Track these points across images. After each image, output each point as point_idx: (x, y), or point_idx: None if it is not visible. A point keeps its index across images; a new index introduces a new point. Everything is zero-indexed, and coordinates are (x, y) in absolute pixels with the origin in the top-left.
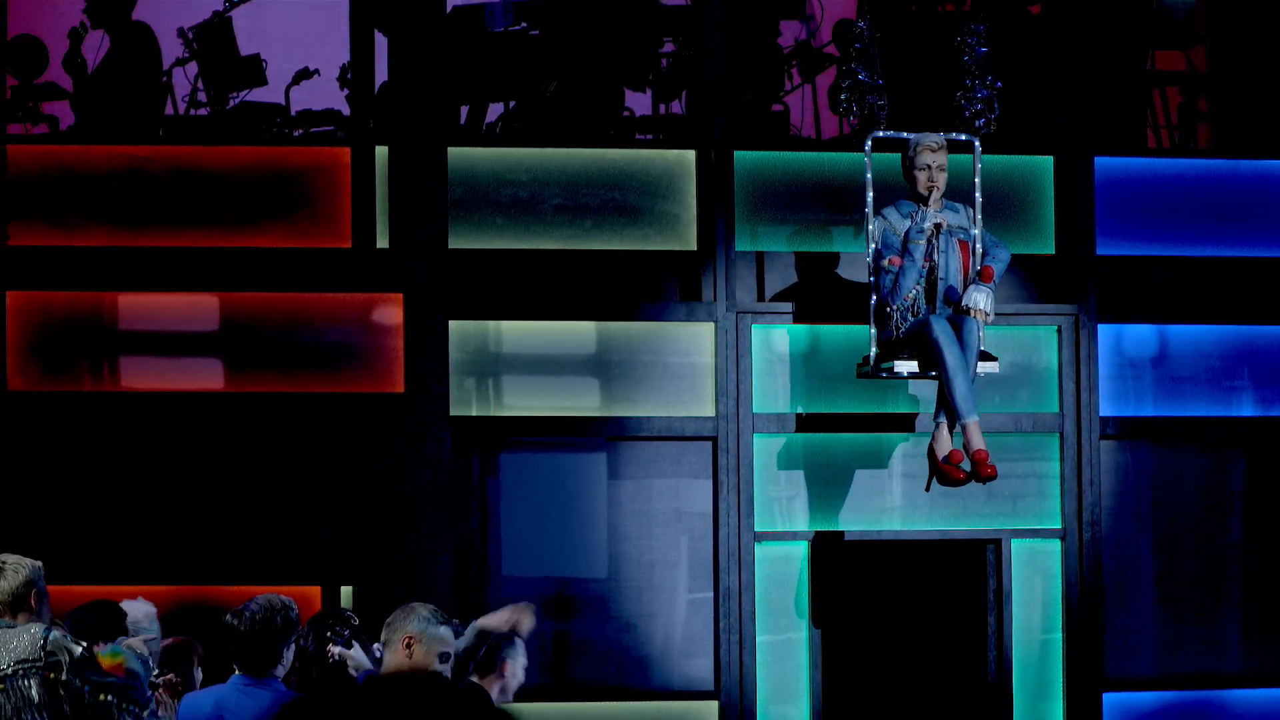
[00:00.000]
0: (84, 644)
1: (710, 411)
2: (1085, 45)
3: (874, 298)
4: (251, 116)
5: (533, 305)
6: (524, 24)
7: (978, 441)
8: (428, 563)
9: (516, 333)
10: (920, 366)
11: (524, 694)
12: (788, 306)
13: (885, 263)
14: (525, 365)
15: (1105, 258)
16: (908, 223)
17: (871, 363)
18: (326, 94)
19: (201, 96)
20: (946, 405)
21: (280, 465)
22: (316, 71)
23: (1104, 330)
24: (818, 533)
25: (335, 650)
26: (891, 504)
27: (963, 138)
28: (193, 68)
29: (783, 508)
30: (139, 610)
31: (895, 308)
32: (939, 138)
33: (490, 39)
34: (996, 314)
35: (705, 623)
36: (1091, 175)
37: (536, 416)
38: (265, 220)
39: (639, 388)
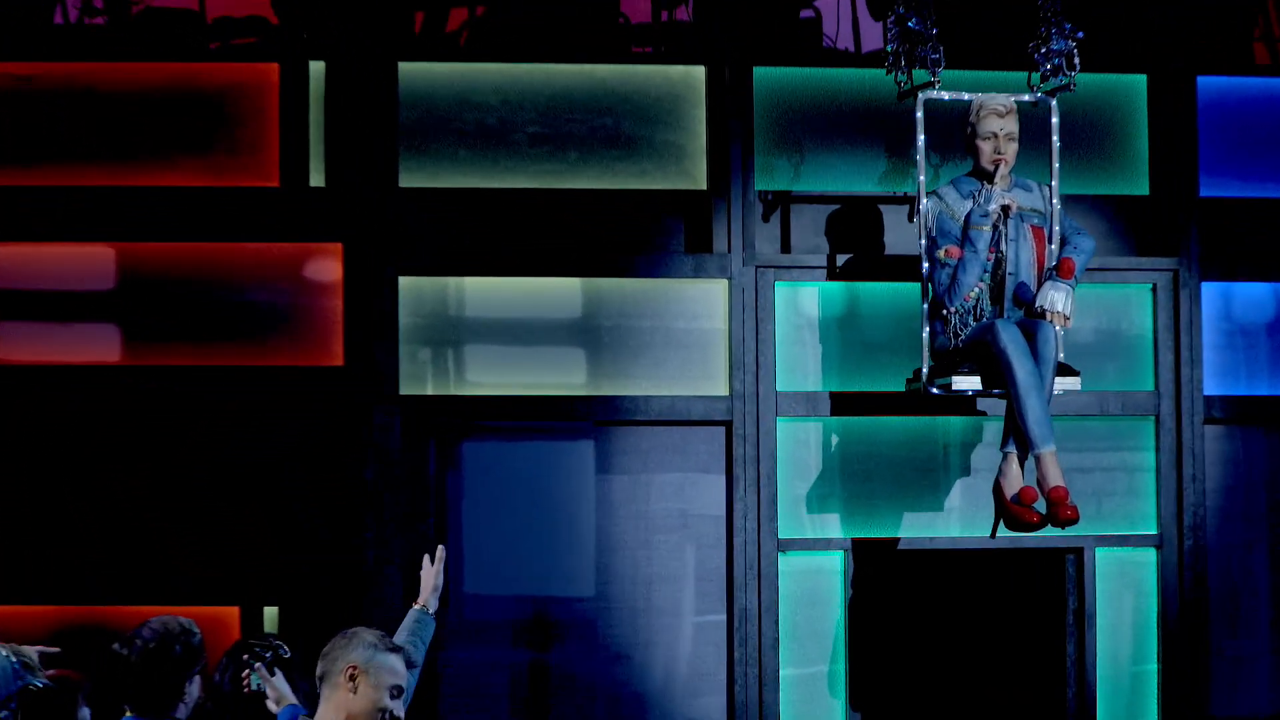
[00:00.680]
0: None
1: (723, 390)
2: None
3: (927, 297)
4: (158, 26)
5: (503, 258)
6: None
7: (1055, 476)
8: (372, 578)
9: (483, 292)
10: (983, 383)
11: None
12: (820, 259)
13: (941, 254)
14: (494, 332)
15: (1210, 200)
16: (969, 204)
17: (924, 377)
18: None
19: (98, 3)
20: (1016, 431)
21: (190, 455)
22: None
23: (1209, 289)
24: (856, 540)
25: (252, 680)
26: (948, 505)
27: (1036, 98)
28: None
29: (813, 509)
30: None
31: (953, 310)
32: (1007, 99)
33: None
34: None
35: (717, 652)
36: (1194, 97)
37: (507, 396)
38: (174, 154)
39: (635, 360)
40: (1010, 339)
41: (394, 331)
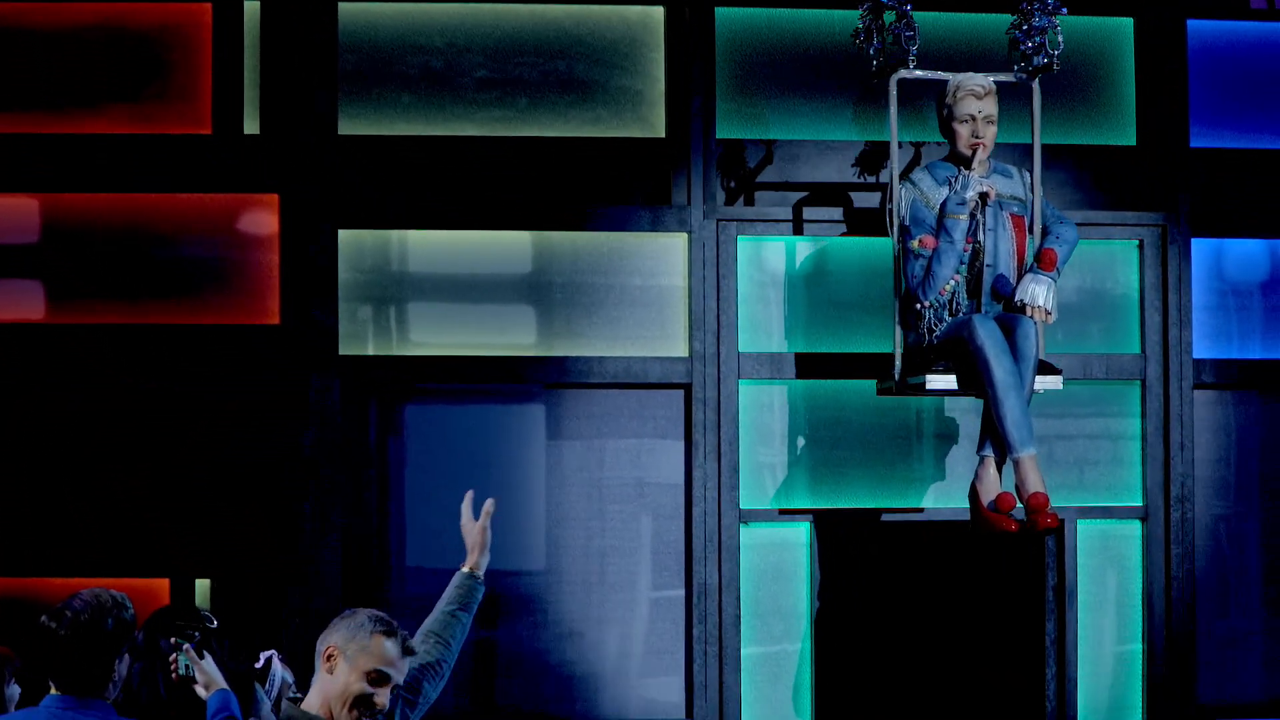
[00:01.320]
0: None
1: (682, 351)
2: None
3: (900, 290)
4: None
5: (449, 210)
6: None
7: (1034, 482)
8: (310, 548)
9: (427, 246)
10: (960, 382)
11: None
12: (785, 212)
13: (914, 244)
14: (439, 289)
15: (1201, 151)
16: (945, 191)
17: (896, 376)
18: None
19: None
20: (994, 433)
21: (117, 419)
22: None
23: (1198, 246)
24: (822, 511)
25: (180, 662)
26: (922, 474)
27: (1017, 79)
28: None
29: (777, 478)
30: None
31: (927, 303)
32: (986, 80)
33: None
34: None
35: (675, 630)
36: (1183, 42)
37: (453, 357)
38: (101, 99)
39: (588, 319)
40: (988, 335)
41: (333, 288)
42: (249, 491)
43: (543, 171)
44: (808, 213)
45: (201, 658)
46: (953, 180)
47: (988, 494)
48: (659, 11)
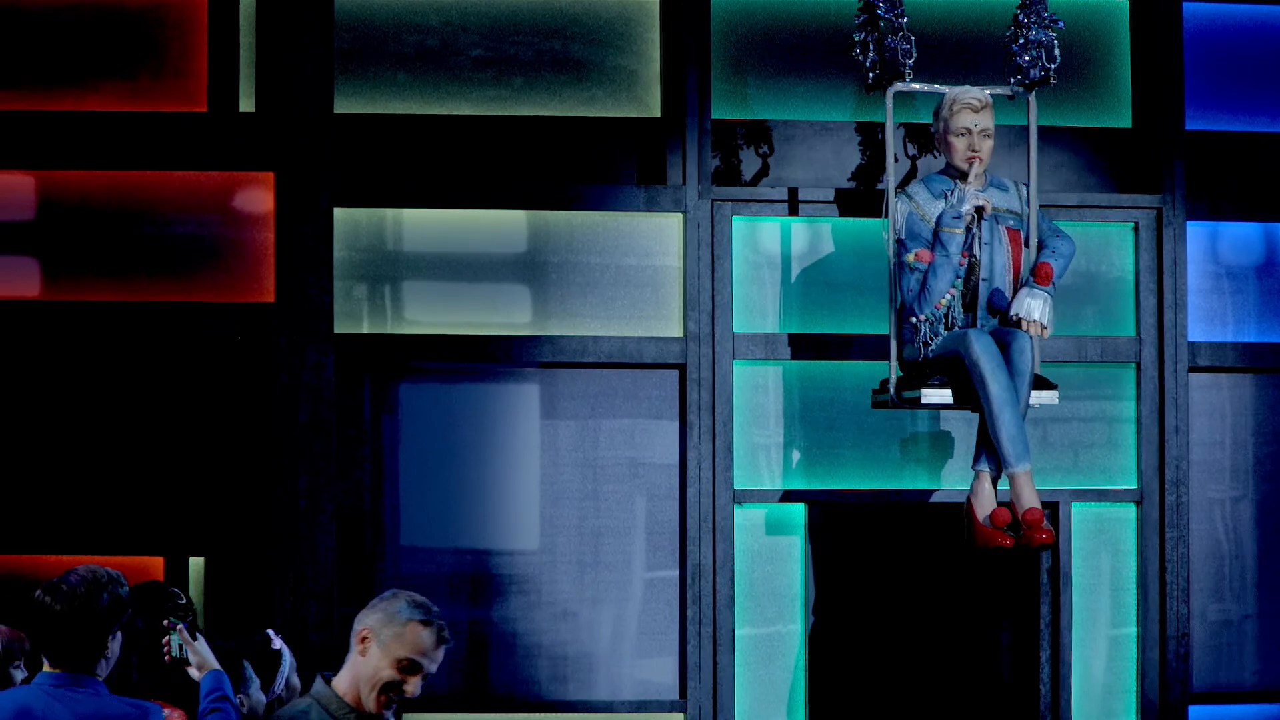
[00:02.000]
0: None
1: (677, 331)
2: None
3: (895, 303)
4: None
5: (444, 189)
6: None
7: (1029, 497)
8: (303, 526)
9: (422, 225)
10: (955, 397)
11: (428, 704)
12: (781, 193)
13: (910, 258)
14: (434, 268)
15: (1197, 133)
16: (941, 204)
17: (892, 390)
18: None
19: None
20: (989, 447)
21: (112, 396)
22: None
23: (1194, 229)
24: (817, 492)
25: (172, 643)
26: (917, 455)
27: (1013, 92)
28: None
29: (772, 459)
30: None
31: (923, 318)
32: (982, 93)
33: None
34: (1055, 207)
35: (669, 610)
36: (1179, 23)
37: (447, 335)
38: (96, 76)
39: (583, 299)
40: (984, 350)
41: (328, 266)
42: (243, 469)
43: (538, 151)
44: (803, 193)
45: (194, 638)
46: (949, 194)
47: (983, 508)
48: None
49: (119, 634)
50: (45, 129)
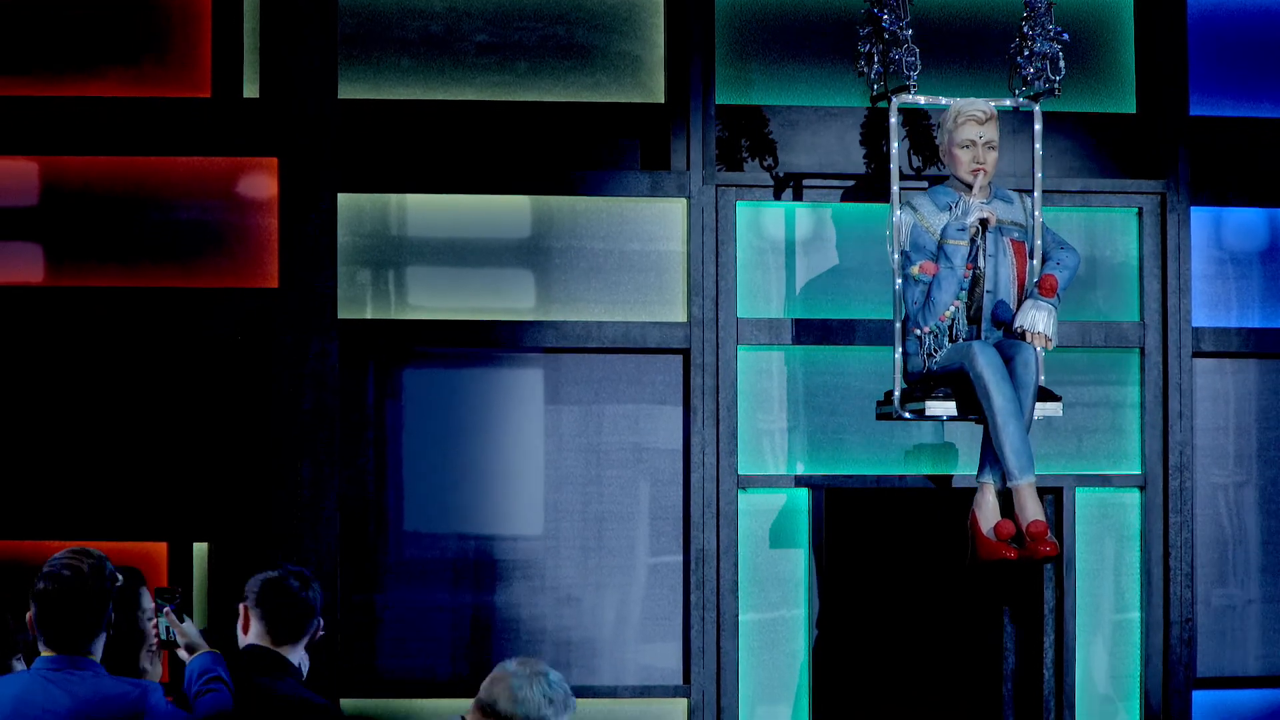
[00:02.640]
0: None
1: (681, 316)
2: None
3: (899, 315)
4: None
5: (447, 174)
6: None
7: (1033, 510)
8: (307, 513)
9: (426, 210)
10: (959, 408)
11: (430, 689)
12: (785, 178)
13: (914, 270)
14: (437, 253)
15: (1201, 119)
16: (945, 216)
17: (895, 401)
18: None
19: None
20: (993, 459)
21: (117, 382)
22: None
23: (1198, 214)
24: (821, 477)
25: (160, 625)
26: (921, 440)
27: (1018, 104)
28: None
29: (776, 444)
30: None
31: (927, 329)
32: (987, 105)
33: None
34: (1060, 193)
35: (673, 596)
36: (1184, 9)
37: (451, 320)
38: (100, 62)
39: (587, 284)
40: (988, 363)
41: (332, 252)
42: (247, 455)
43: (542, 136)
44: (807, 179)
45: (182, 620)
46: (953, 206)
47: (986, 520)
48: None
49: (112, 612)
50: (49, 114)
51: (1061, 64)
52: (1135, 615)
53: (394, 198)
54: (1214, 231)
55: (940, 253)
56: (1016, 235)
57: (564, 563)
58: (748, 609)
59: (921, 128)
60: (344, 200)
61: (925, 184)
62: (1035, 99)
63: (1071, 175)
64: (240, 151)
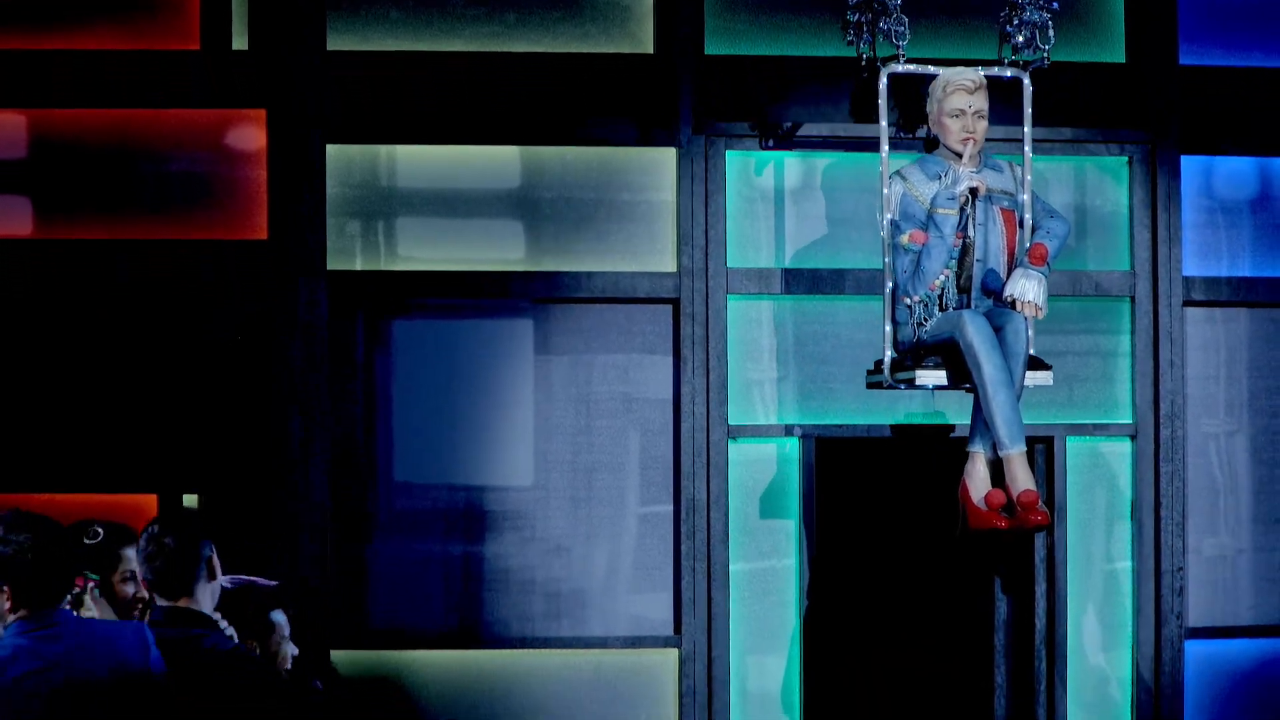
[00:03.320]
0: None
1: (671, 266)
2: None
3: (888, 285)
4: None
5: (437, 125)
6: None
7: (1024, 479)
8: (297, 463)
9: (415, 161)
10: (950, 378)
11: (420, 640)
12: (775, 128)
13: (904, 239)
14: (427, 204)
15: (1191, 68)
16: (935, 186)
17: (886, 371)
18: None
19: None
20: (984, 428)
21: (106, 334)
22: None
23: (1188, 164)
24: (811, 427)
25: (84, 600)
26: (911, 389)
27: (1008, 74)
28: None
29: (765, 393)
30: None
31: (917, 298)
32: (976, 74)
33: None
34: (1049, 142)
35: (663, 546)
36: None
37: (441, 271)
38: (89, 15)
39: (577, 234)
40: (978, 331)
41: (321, 203)
42: (237, 405)
43: (531, 87)
44: (796, 129)
45: (99, 599)
46: (943, 175)
47: (977, 490)
48: None
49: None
50: (38, 67)
51: (1051, 32)
52: (1127, 565)
53: (383, 149)
54: (1204, 181)
55: (930, 222)
56: (1006, 204)
57: (554, 514)
58: (738, 559)
59: (917, 94)
60: (333, 151)
61: (920, 141)
62: (1025, 68)
63: (1062, 125)
64: (229, 103)
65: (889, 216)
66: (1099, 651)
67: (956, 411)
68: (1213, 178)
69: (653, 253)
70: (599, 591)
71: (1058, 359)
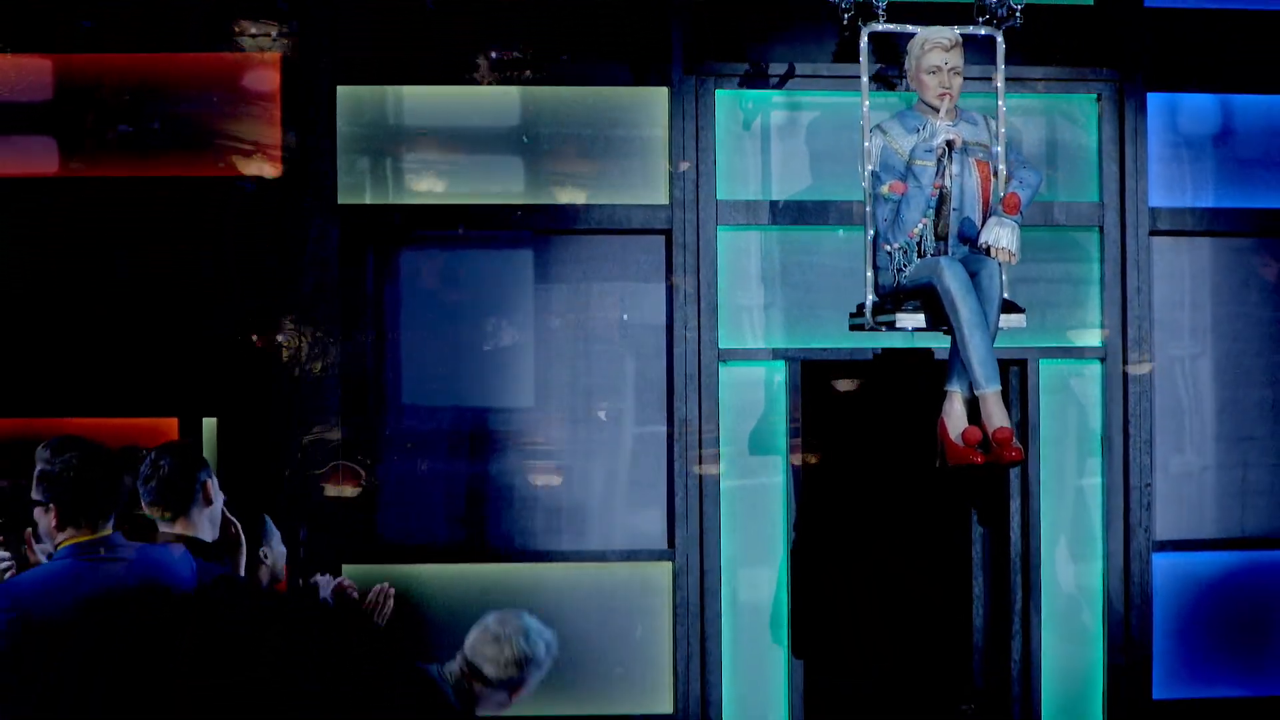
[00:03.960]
0: None
1: (663, 199)
2: None
3: (869, 233)
4: None
5: (441, 65)
6: None
7: (1000, 417)
8: (311, 390)
9: (420, 100)
10: (928, 321)
11: (428, 554)
12: (763, 66)
13: (884, 189)
14: (432, 142)
15: (1156, 10)
16: (913, 139)
17: (868, 314)
18: None
19: None
20: (961, 369)
21: (127, 267)
22: None
23: (1154, 100)
24: (797, 351)
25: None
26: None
27: (982, 33)
28: None
29: (754, 319)
30: None
31: (896, 246)
32: (952, 32)
33: None
34: (1020, 81)
35: (657, 464)
36: None
37: (446, 205)
38: None
39: (574, 169)
40: (954, 277)
41: (332, 141)
42: (253, 334)
43: (529, 28)
44: (784, 68)
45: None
46: (921, 129)
47: (954, 427)
48: None
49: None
50: (62, 13)
51: None
52: (1097, 481)
53: (390, 89)
54: (1170, 117)
55: (909, 173)
56: (981, 155)
57: (554, 434)
58: (730, 475)
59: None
60: (343, 92)
61: (900, 83)
62: (999, 26)
63: (1033, 64)
64: (244, 47)
65: (870, 168)
66: (1071, 564)
67: (936, 337)
68: (1178, 114)
69: (646, 186)
70: (597, 508)
71: (1031, 286)
